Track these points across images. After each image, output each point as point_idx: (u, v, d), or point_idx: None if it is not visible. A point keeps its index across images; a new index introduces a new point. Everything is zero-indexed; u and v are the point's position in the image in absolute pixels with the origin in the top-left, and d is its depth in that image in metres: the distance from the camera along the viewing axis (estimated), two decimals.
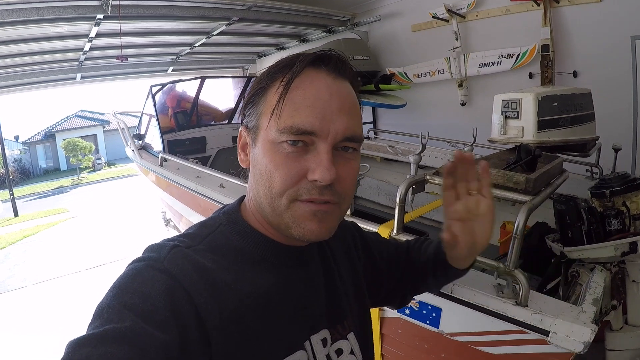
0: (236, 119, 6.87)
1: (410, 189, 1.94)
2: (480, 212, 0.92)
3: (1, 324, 6.38)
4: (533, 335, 1.55)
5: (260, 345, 0.77)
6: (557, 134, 2.57)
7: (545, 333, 1.49)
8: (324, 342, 0.90)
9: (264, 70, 0.86)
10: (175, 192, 4.67)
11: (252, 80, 0.89)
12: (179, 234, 0.88)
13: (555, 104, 2.57)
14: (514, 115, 2.61)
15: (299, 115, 0.77)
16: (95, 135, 33.91)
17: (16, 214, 17.06)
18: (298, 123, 0.77)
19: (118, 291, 0.69)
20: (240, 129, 0.91)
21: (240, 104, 0.95)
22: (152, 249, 0.79)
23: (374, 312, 2.10)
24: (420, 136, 2.94)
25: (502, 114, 2.67)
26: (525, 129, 2.56)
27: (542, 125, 2.53)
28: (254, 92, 0.86)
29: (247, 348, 0.75)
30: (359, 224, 1.91)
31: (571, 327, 1.45)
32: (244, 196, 0.96)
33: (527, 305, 1.58)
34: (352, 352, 0.95)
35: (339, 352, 0.93)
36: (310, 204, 0.79)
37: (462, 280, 1.52)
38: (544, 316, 1.52)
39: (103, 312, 0.66)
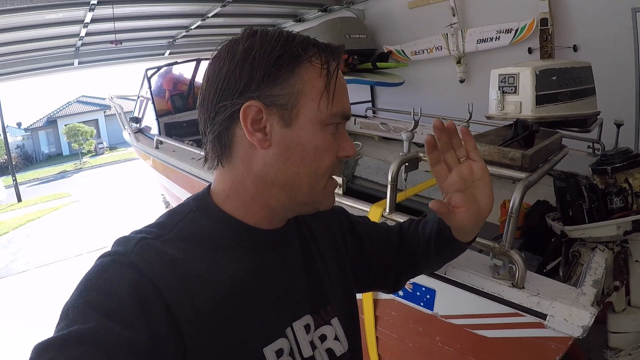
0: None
1: (403, 166, 1.88)
2: (476, 177, 0.93)
3: (4, 307, 6.44)
4: (530, 319, 1.50)
5: (238, 335, 0.75)
6: (556, 108, 2.50)
7: (543, 316, 1.43)
8: (307, 328, 0.87)
9: (267, 40, 0.78)
10: (171, 174, 4.65)
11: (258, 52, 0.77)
12: (149, 223, 0.83)
13: (554, 78, 2.49)
14: (512, 90, 2.54)
15: (344, 102, 0.84)
16: (96, 120, 34.12)
17: (19, 199, 17.26)
18: (346, 109, 0.85)
19: (83, 289, 0.66)
20: (247, 103, 0.77)
21: (236, 78, 0.79)
22: (120, 243, 0.75)
23: (367, 295, 2.06)
24: (412, 113, 2.87)
25: (499, 89, 2.59)
26: (523, 104, 2.49)
27: (540, 100, 2.46)
28: (276, 65, 0.77)
29: (223, 339, 0.72)
30: (351, 203, 1.86)
31: (570, 310, 1.39)
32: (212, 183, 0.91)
33: (523, 287, 1.52)
34: (336, 338, 0.93)
35: (323, 337, 0.90)
36: (335, 181, 0.89)
37: (457, 261, 1.47)
38: (541, 298, 1.46)
39: (68, 313, 0.63)
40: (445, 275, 1.66)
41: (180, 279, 0.71)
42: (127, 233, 0.78)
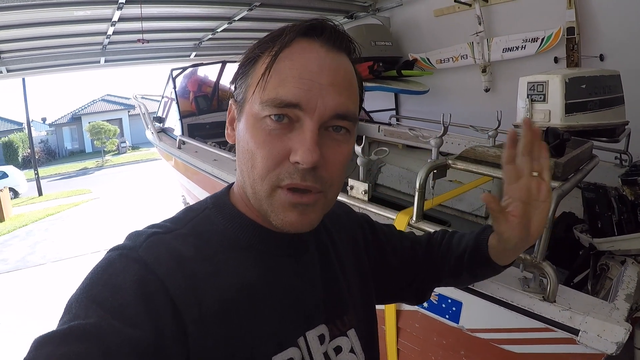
0: None
1: (431, 174, 1.84)
2: (540, 198, 0.83)
3: (19, 300, 6.51)
4: (561, 334, 1.45)
5: (245, 341, 0.71)
6: (585, 117, 2.45)
7: (575, 332, 1.39)
8: (321, 338, 0.82)
9: (257, 43, 0.78)
10: (193, 175, 4.66)
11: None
12: (165, 218, 0.81)
13: (583, 86, 2.44)
14: (540, 98, 2.49)
15: (283, 87, 0.70)
16: (120, 119, 34.60)
17: (40, 193, 17.59)
18: (282, 95, 0.70)
19: (88, 283, 0.64)
20: (230, 101, 0.83)
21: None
22: (130, 237, 0.73)
23: (390, 305, 2.02)
24: (441, 118, 2.83)
25: (527, 97, 2.54)
26: (552, 112, 2.44)
27: (569, 109, 2.41)
28: (244, 62, 0.79)
29: (229, 344, 0.69)
30: (377, 211, 1.81)
31: (603, 326, 1.34)
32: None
33: (555, 301, 1.47)
34: (352, 350, 0.87)
35: (338, 349, 0.85)
36: (291, 194, 0.72)
37: None
38: (573, 313, 1.41)
39: (72, 307, 0.61)
40: (473, 288, 1.61)
41: (188, 277, 0.68)
42: (141, 227, 0.77)
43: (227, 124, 0.84)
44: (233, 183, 0.88)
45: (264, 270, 0.78)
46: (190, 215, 0.80)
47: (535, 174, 0.82)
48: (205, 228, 0.78)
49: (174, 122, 6.64)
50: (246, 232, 0.80)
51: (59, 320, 0.60)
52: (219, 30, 6.89)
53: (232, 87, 0.82)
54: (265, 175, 0.72)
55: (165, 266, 0.67)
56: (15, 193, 17.68)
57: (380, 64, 5.34)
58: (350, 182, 2.26)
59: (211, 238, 0.77)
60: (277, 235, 0.81)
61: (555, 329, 1.45)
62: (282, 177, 0.71)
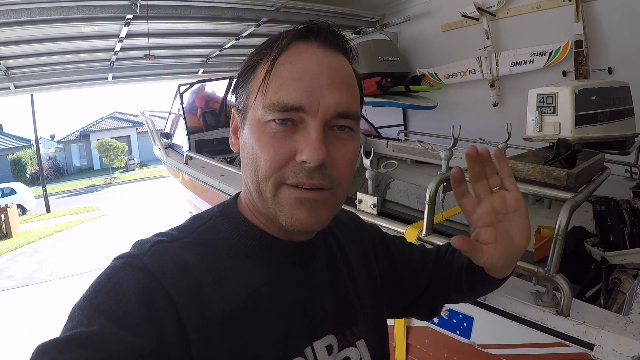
0: None
1: (441, 186, 1.81)
2: (510, 209, 0.80)
3: (25, 315, 6.50)
4: (575, 349, 1.41)
5: (250, 351, 0.69)
6: (595, 129, 2.42)
7: (590, 346, 1.36)
8: (329, 349, 0.80)
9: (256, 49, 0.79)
10: (200, 190, 4.66)
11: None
12: (172, 227, 0.81)
13: (593, 97, 2.42)
14: (550, 110, 2.47)
15: (284, 90, 0.70)
16: (128, 137, 34.91)
17: (48, 210, 17.71)
18: (284, 98, 0.70)
19: (92, 291, 0.64)
20: (232, 111, 0.83)
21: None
22: (136, 245, 0.73)
23: (400, 321, 1.99)
24: (451, 130, 2.81)
25: (537, 109, 2.52)
26: (563, 124, 2.41)
27: (579, 121, 2.38)
28: (243, 70, 0.79)
29: (233, 352, 0.67)
30: (386, 224, 1.78)
31: (619, 340, 1.31)
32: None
33: (569, 315, 1.44)
34: None
35: None
36: (297, 189, 0.71)
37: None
38: (588, 327, 1.38)
39: (75, 315, 0.61)
40: (484, 302, 1.59)
41: (192, 286, 0.67)
42: (130, 241, 0.76)
43: (230, 133, 0.85)
44: (240, 192, 0.87)
45: (271, 279, 0.77)
46: (197, 224, 0.80)
47: (496, 189, 0.80)
48: (212, 236, 0.77)
49: (181, 138, 6.67)
50: (253, 240, 0.79)
51: (63, 328, 0.59)
52: (226, 46, 6.93)
53: (233, 97, 0.82)
54: (269, 176, 0.71)
55: (170, 274, 0.67)
56: (23, 209, 17.79)
57: (388, 80, 5.33)
58: (359, 195, 2.24)
59: (217, 246, 0.76)
60: (284, 243, 0.80)
61: (570, 344, 1.42)
62: (287, 176, 0.71)
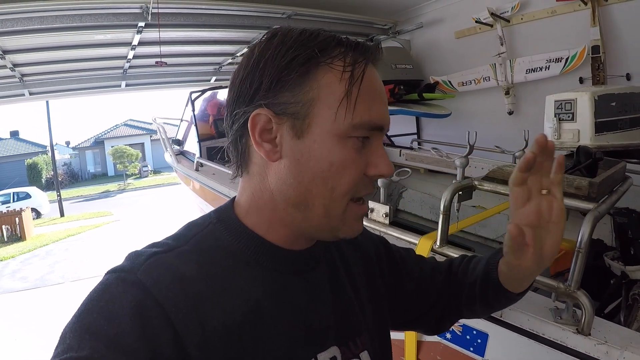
0: None
1: (457, 195, 1.75)
2: (553, 219, 0.76)
3: (37, 318, 6.55)
4: None
5: None
6: (616, 137, 2.35)
7: None
8: None
9: (284, 42, 0.70)
10: (211, 198, 4.63)
11: (260, 51, 0.72)
12: (167, 236, 0.77)
13: (613, 103, 2.35)
14: (569, 117, 2.40)
15: (373, 111, 0.71)
16: (142, 144, 35.45)
17: (62, 214, 18.01)
18: (374, 119, 0.72)
19: (84, 310, 0.61)
20: (255, 111, 0.71)
21: (247, 85, 0.73)
22: (129, 257, 0.70)
23: (411, 336, 1.93)
24: (467, 137, 2.74)
25: (555, 116, 2.45)
26: (582, 131, 2.34)
27: (599, 128, 2.31)
28: (293, 70, 0.69)
29: None
30: (399, 235, 1.73)
31: None
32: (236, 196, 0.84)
33: (590, 334, 1.37)
34: None
35: None
36: (361, 206, 0.76)
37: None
38: (610, 347, 1.32)
39: (66, 337, 0.58)
40: (500, 318, 1.52)
41: (190, 299, 0.64)
42: (141, 247, 0.73)
43: (256, 137, 0.72)
44: (235, 197, 0.83)
45: (272, 289, 0.74)
46: (194, 231, 0.76)
47: (544, 191, 0.77)
48: (210, 244, 0.74)
49: (192, 145, 6.67)
50: (252, 248, 0.76)
51: (54, 350, 0.57)
52: (238, 54, 6.90)
53: (261, 95, 0.71)
54: (347, 193, 0.72)
55: (166, 289, 0.63)
56: (37, 214, 18.13)
57: (402, 87, 5.28)
58: (371, 204, 2.19)
59: (215, 255, 0.73)
60: (285, 252, 0.78)
61: None
62: (360, 189, 0.74)
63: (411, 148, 5.46)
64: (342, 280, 0.88)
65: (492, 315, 1.50)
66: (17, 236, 13.60)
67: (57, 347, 0.58)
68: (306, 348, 0.75)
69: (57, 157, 23.31)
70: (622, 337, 1.37)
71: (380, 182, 2.14)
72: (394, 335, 0.98)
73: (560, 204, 0.77)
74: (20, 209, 14.49)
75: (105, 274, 0.67)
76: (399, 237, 1.98)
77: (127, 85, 7.48)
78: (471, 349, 1.70)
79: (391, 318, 0.97)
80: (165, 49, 5.46)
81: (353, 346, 0.82)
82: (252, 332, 0.68)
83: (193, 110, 6.43)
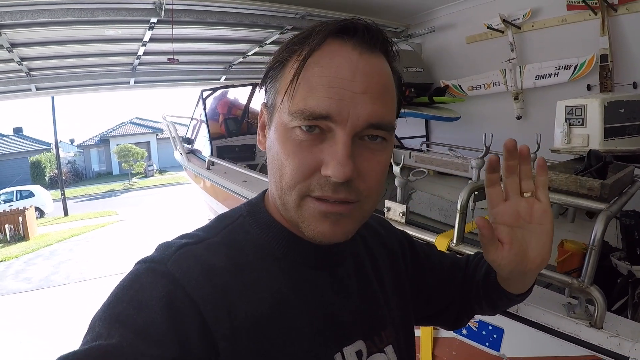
0: None
1: (473, 195, 1.78)
2: (534, 220, 0.76)
3: (41, 318, 6.53)
4: None
5: (277, 356, 0.67)
6: (624, 142, 2.42)
7: (624, 359, 1.32)
8: (359, 354, 0.78)
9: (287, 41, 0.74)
10: (222, 197, 4.65)
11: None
12: (198, 227, 0.79)
13: (622, 110, 2.42)
14: (579, 122, 2.46)
15: (313, 97, 0.65)
16: (148, 143, 35.25)
17: (66, 214, 17.88)
18: (311, 106, 0.65)
19: (114, 299, 0.62)
20: (261, 105, 0.80)
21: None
22: (160, 248, 0.71)
23: (426, 331, 1.95)
24: (483, 138, 2.78)
25: (565, 121, 2.50)
26: (591, 136, 2.41)
27: (608, 133, 2.38)
28: (272, 65, 0.74)
29: (262, 359, 0.65)
30: (415, 233, 1.76)
31: None
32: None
33: (602, 327, 1.41)
34: None
35: None
36: (322, 203, 0.68)
37: (529, 298, 1.36)
38: (622, 340, 1.35)
39: (95, 325, 0.59)
40: (516, 313, 1.55)
41: (219, 291, 0.65)
42: (147, 247, 0.74)
43: (258, 129, 0.81)
44: (267, 190, 0.84)
45: (299, 283, 0.75)
46: (225, 223, 0.79)
47: (527, 194, 0.77)
48: (239, 237, 0.76)
49: (202, 144, 6.70)
50: (280, 242, 0.77)
51: (83, 338, 0.59)
52: (249, 53, 6.93)
53: (262, 90, 0.79)
54: (293, 186, 0.68)
55: (195, 280, 0.65)
56: (41, 212, 18.06)
57: (412, 90, 5.33)
58: (387, 204, 2.22)
59: (244, 247, 0.74)
60: (312, 246, 0.77)
61: (603, 356, 1.39)
62: (312, 188, 0.68)
63: (420, 150, 5.50)
64: (368, 274, 0.88)
65: (507, 310, 1.54)
66: (21, 236, 13.45)
67: (86, 334, 0.59)
68: (332, 342, 0.75)
69: (61, 155, 23.23)
70: (633, 330, 1.40)
71: (397, 181, 2.17)
72: None
73: (544, 206, 0.76)
74: (24, 207, 14.31)
75: (136, 264, 0.68)
76: (415, 235, 2.00)
77: (135, 82, 7.49)
78: (487, 344, 1.72)
79: (413, 312, 0.98)
80: (177, 46, 5.47)
81: (378, 340, 0.83)
82: (279, 324, 0.68)
83: (204, 108, 6.45)
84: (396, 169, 2.10)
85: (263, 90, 0.79)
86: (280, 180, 0.69)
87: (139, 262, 0.68)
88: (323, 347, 0.73)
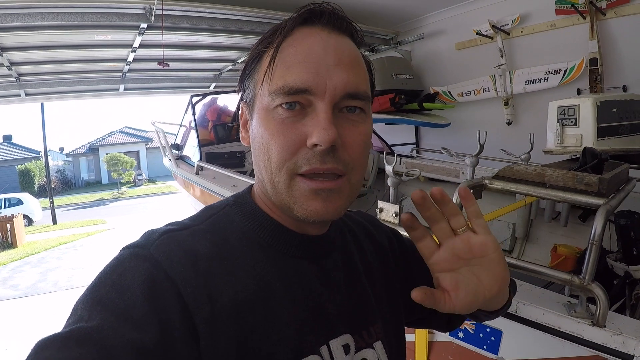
0: None
1: None
2: (476, 254, 0.72)
3: (28, 326, 6.46)
4: None
5: (260, 344, 0.67)
6: (617, 142, 2.42)
7: (629, 358, 1.29)
8: (346, 348, 0.76)
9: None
10: (211, 201, 4.58)
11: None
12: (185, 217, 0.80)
13: (615, 110, 2.42)
14: (572, 122, 2.46)
15: (290, 74, 0.68)
16: (137, 152, 35.35)
17: (55, 222, 17.86)
18: (289, 81, 0.68)
19: (97, 283, 0.63)
20: (240, 105, 0.82)
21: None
22: (145, 234, 0.72)
23: (421, 335, 1.91)
24: (477, 136, 2.76)
25: (558, 121, 2.50)
26: (584, 136, 2.41)
27: (601, 133, 2.38)
28: (249, 62, 0.78)
29: (243, 348, 0.65)
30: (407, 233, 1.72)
31: None
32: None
33: (604, 326, 1.37)
34: None
35: None
36: (312, 181, 0.69)
37: (528, 298, 1.33)
38: (626, 338, 1.32)
39: (77, 308, 0.60)
40: (515, 314, 1.52)
41: (201, 275, 0.65)
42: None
43: (240, 127, 0.83)
44: (253, 184, 0.85)
45: (283, 271, 0.75)
46: (210, 212, 0.79)
47: (461, 230, 0.72)
48: (224, 225, 0.76)
49: (191, 150, 6.66)
50: (266, 231, 0.77)
51: (66, 321, 0.59)
52: (239, 60, 6.92)
53: (241, 91, 0.81)
54: (282, 165, 0.69)
55: (177, 263, 0.65)
56: (29, 220, 17.97)
57: (402, 97, 5.32)
58: (380, 204, 2.19)
59: (230, 235, 0.75)
60: (298, 236, 0.79)
61: (607, 356, 1.36)
62: (300, 164, 0.69)
63: (411, 157, 5.49)
64: (357, 269, 0.87)
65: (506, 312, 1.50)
66: (8, 243, 13.34)
67: (68, 318, 0.59)
68: (318, 333, 0.74)
69: (50, 163, 23.19)
70: (636, 329, 1.37)
71: (389, 181, 2.14)
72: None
73: (481, 238, 0.72)
74: (12, 215, 14.21)
75: (120, 250, 0.68)
76: (407, 235, 1.95)
77: (125, 89, 7.47)
78: (484, 347, 1.69)
79: (405, 313, 0.96)
80: (166, 52, 5.44)
81: (367, 335, 0.81)
82: (262, 311, 0.68)
83: (194, 114, 6.43)
84: (389, 169, 2.08)
85: (241, 90, 0.81)
86: (269, 162, 0.70)
87: (123, 248, 0.68)
88: (308, 338, 0.72)
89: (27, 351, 0.54)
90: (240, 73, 0.80)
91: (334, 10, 0.73)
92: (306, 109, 0.69)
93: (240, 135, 0.84)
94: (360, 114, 0.73)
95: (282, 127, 0.69)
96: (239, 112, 0.83)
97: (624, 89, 4.26)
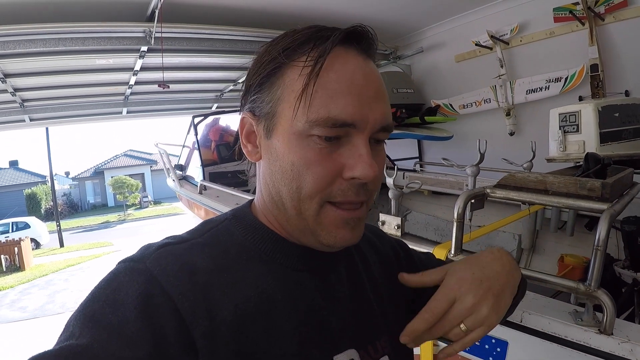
0: None
1: (469, 204, 1.74)
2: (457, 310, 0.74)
3: (36, 348, 6.46)
4: None
5: (264, 358, 0.65)
6: (620, 147, 2.39)
7: None
8: None
9: (272, 44, 0.72)
10: None
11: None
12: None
13: (617, 114, 2.40)
14: (574, 129, 2.44)
15: (335, 105, 0.64)
16: (142, 174, 35.49)
17: (62, 245, 17.95)
18: (335, 114, 0.64)
19: (91, 298, 0.61)
20: (241, 115, 0.77)
21: (243, 89, 0.79)
22: (141, 248, 0.70)
23: (426, 348, 1.88)
24: (477, 145, 2.75)
25: (560, 128, 2.48)
26: (587, 142, 2.38)
27: (604, 138, 2.36)
28: (265, 72, 0.71)
29: None
30: (412, 245, 1.71)
31: None
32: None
33: (612, 334, 1.35)
34: None
35: None
36: (343, 211, 0.69)
37: (533, 307, 1.31)
38: (634, 345, 1.29)
39: (70, 324, 0.59)
40: (520, 323, 1.49)
41: (199, 288, 0.63)
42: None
43: (242, 139, 0.77)
44: (253, 200, 0.84)
45: (285, 285, 0.72)
46: (209, 226, 0.77)
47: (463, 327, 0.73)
48: (224, 238, 0.74)
49: (195, 170, 6.69)
50: (268, 244, 0.75)
51: (58, 338, 0.58)
52: (240, 80, 6.95)
53: (243, 100, 0.77)
54: (315, 195, 0.68)
55: (174, 277, 0.63)
56: (36, 244, 18.08)
57: (403, 111, 5.31)
58: (382, 217, 2.18)
59: (229, 249, 0.72)
60: (300, 249, 0.76)
61: None
62: (334, 194, 0.68)
63: (414, 170, 5.47)
64: (362, 282, 0.86)
65: (512, 321, 1.49)
66: (16, 266, 13.47)
67: (60, 334, 0.58)
68: (321, 348, 0.72)
69: (56, 187, 23.34)
70: None
71: (391, 193, 2.13)
72: None
73: (439, 292, 0.76)
74: (20, 238, 14.40)
75: (117, 264, 0.67)
76: (412, 246, 1.94)
77: (128, 112, 7.51)
78: (490, 358, 1.65)
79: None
80: (167, 74, 5.48)
81: (372, 350, 0.79)
82: (263, 324, 0.66)
83: (196, 134, 6.45)
84: (389, 181, 2.07)
85: (242, 100, 0.78)
86: (298, 190, 0.68)
87: (120, 262, 0.67)
88: (312, 353, 0.70)
89: None
90: (240, 92, 0.78)
91: (371, 34, 0.72)
92: (341, 139, 0.67)
93: (244, 149, 0.78)
94: (382, 143, 0.74)
95: (319, 158, 0.67)
96: (240, 123, 0.78)
97: (626, 93, 4.22)
